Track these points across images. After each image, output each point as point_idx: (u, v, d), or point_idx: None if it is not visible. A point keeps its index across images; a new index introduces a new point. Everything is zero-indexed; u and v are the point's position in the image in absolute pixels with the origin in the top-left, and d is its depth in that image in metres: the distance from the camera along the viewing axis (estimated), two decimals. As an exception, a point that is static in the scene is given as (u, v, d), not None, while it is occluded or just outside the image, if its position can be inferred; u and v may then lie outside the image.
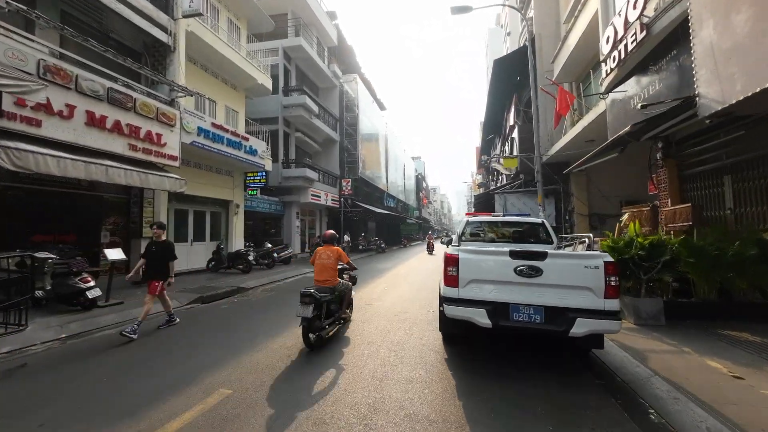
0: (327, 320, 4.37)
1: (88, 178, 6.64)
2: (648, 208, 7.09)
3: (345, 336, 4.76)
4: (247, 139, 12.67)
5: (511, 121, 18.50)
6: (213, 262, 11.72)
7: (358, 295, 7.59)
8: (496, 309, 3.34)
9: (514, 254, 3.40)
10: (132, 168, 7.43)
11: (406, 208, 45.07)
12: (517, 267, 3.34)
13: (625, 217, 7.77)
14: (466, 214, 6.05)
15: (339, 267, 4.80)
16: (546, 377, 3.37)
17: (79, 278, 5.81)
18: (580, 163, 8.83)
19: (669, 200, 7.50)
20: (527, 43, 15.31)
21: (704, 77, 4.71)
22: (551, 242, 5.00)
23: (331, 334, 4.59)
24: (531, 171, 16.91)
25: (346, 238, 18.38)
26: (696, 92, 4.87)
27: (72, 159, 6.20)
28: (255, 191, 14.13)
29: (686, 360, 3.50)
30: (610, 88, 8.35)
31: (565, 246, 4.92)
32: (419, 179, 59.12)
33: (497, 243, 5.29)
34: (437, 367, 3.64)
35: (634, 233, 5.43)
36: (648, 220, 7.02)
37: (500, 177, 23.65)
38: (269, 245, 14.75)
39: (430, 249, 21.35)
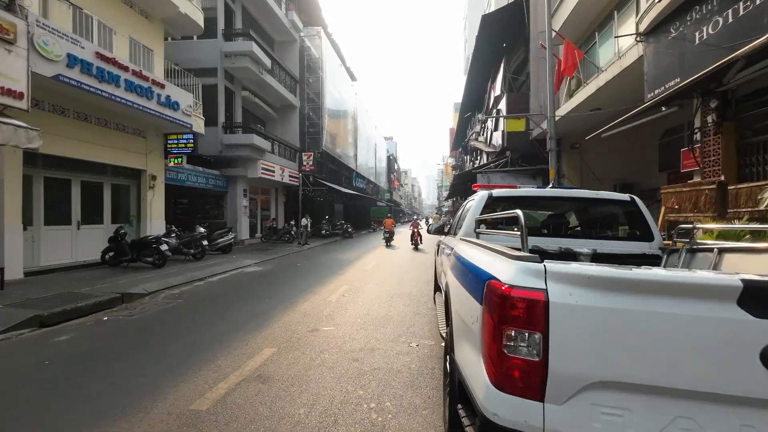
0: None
1: None
2: (711, 187, 5.13)
3: None
4: (161, 86, 9.27)
5: (498, 91, 16.30)
6: (111, 253, 8.53)
7: (301, 309, 5.03)
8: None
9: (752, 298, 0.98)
10: None
11: (377, 190, 42.50)
12: None
13: (670, 199, 5.81)
14: (476, 187, 3.58)
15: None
16: None
17: None
18: (615, 125, 6.68)
19: (722, 176, 5.62)
20: (522, -6, 12.99)
21: None
22: (650, 238, 2.71)
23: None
24: (520, 147, 14.93)
25: (304, 221, 15.44)
26: None
27: None
28: (180, 159, 10.82)
29: None
30: (655, 25, 6.17)
31: (670, 251, 2.55)
32: (391, 160, 56.52)
33: (545, 238, 2.92)
34: None
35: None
36: (711, 203, 5.10)
37: (480, 156, 21.69)
38: (202, 229, 11.60)
39: (416, 242, 15.05)
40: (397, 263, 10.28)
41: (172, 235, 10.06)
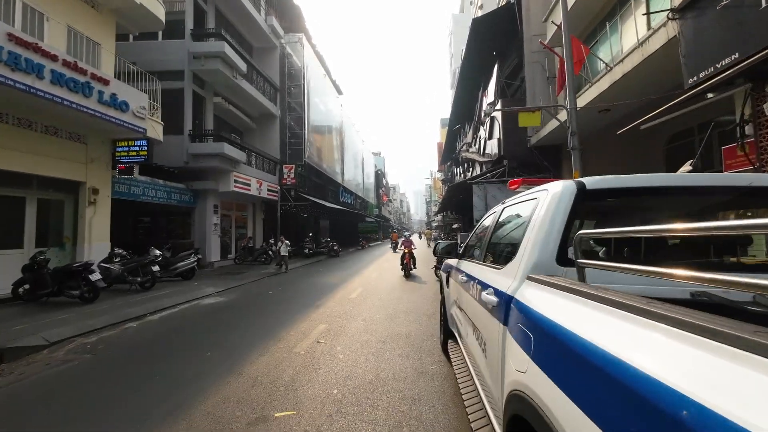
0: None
1: None
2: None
3: None
4: (104, 83, 7.76)
5: (491, 97, 15.42)
6: (26, 286, 6.70)
7: (251, 372, 3.42)
8: None
9: None
10: None
11: (366, 206, 41.13)
12: None
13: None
14: (517, 183, 2.11)
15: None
16: None
17: None
18: (655, 115, 5.51)
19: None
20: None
21: None
22: None
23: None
24: (518, 155, 13.88)
25: (281, 244, 13.09)
26: None
27: None
28: (131, 169, 9.16)
29: None
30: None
31: None
32: (379, 175, 55.59)
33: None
34: None
35: None
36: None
37: (473, 167, 20.70)
38: (157, 252, 9.83)
39: (407, 267, 11.14)
40: (388, 288, 8.74)
41: (116, 260, 8.29)
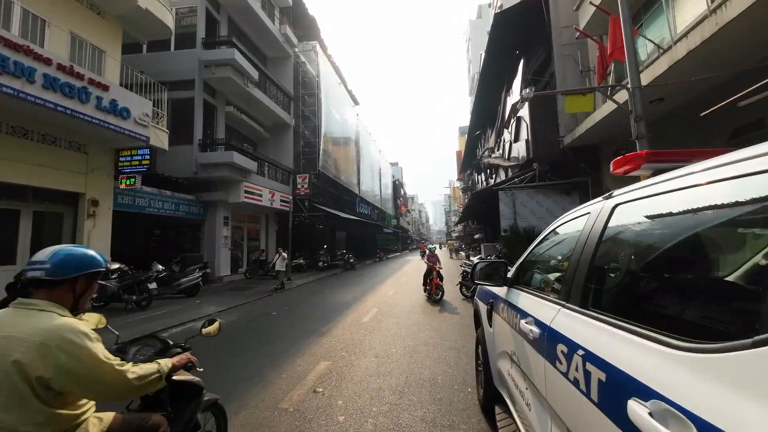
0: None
1: None
2: None
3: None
4: (103, 88, 7.34)
5: (516, 97, 14.28)
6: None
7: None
8: None
9: None
10: None
11: (383, 216, 40.25)
12: None
13: None
14: (619, 165, 1.11)
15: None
16: None
17: None
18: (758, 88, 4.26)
19: None
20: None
21: None
22: None
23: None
24: (549, 158, 12.56)
25: (278, 257, 11.46)
26: None
27: None
28: (132, 180, 8.69)
29: None
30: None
31: None
32: (397, 186, 54.79)
33: None
34: None
35: None
36: None
37: (497, 173, 19.39)
38: (159, 267, 9.29)
39: (434, 290, 8.39)
40: (406, 309, 7.64)
41: (113, 276, 7.70)
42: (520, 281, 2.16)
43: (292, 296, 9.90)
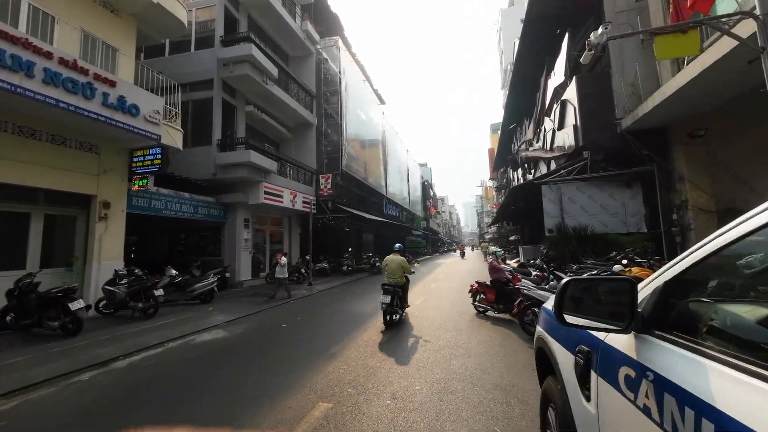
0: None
1: None
2: None
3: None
4: (110, 84, 6.97)
5: (559, 78, 12.57)
6: (11, 315, 5.81)
7: None
8: None
9: None
10: None
11: (412, 218, 38.98)
12: None
13: None
14: None
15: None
16: None
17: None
18: None
19: None
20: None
21: None
22: None
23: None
24: (604, 144, 10.76)
25: (276, 263, 9.99)
26: None
27: None
28: (145, 180, 8.34)
29: None
30: None
31: None
32: (426, 186, 53.24)
33: None
34: None
35: None
36: None
37: (535, 168, 17.51)
38: (173, 272, 8.90)
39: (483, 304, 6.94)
40: (436, 323, 6.46)
41: (122, 282, 7.29)
42: (674, 324, 0.99)
43: (308, 304, 9.07)
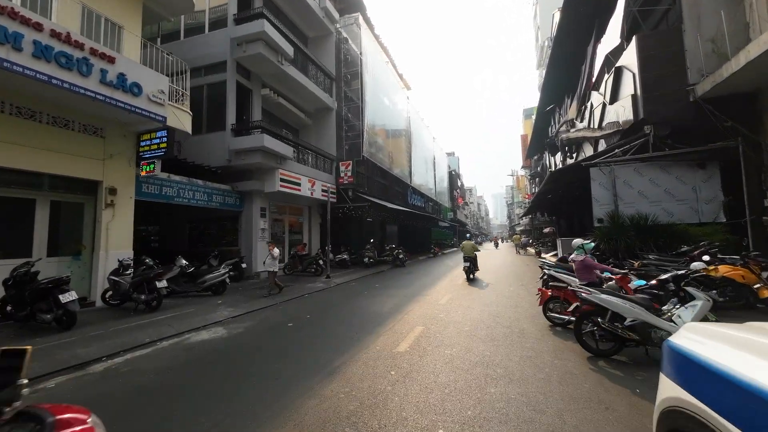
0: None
1: None
2: None
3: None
4: (109, 60, 6.45)
5: (614, 40, 10.72)
6: (9, 306, 5.53)
7: None
8: None
9: None
10: None
11: (438, 209, 37.51)
12: None
13: None
14: None
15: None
16: None
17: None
18: None
19: None
20: None
21: None
22: None
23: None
24: (671, 118, 9.03)
25: (268, 255, 8.68)
26: None
27: None
28: (152, 165, 7.91)
29: None
30: None
31: None
32: (453, 176, 51.20)
33: None
34: None
35: None
36: None
37: (578, 152, 15.59)
38: (183, 262, 8.51)
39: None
40: (467, 328, 5.43)
41: (128, 272, 6.92)
42: None
43: (321, 300, 8.34)
